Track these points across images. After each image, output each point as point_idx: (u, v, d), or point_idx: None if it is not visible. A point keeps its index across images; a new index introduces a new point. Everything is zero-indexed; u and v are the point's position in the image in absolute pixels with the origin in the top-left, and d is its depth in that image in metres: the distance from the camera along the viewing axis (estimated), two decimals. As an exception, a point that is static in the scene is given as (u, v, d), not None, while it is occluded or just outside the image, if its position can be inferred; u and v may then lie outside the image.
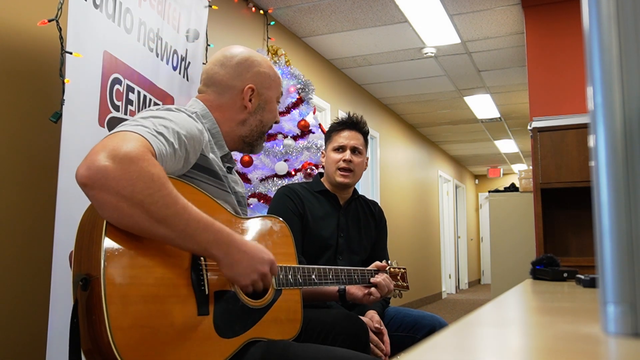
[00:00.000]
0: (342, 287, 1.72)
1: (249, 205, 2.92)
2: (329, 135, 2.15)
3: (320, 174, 2.18)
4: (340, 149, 2.07)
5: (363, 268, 1.76)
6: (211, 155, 1.32)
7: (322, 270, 1.53)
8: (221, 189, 1.33)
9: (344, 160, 2.04)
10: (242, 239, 1.17)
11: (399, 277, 1.90)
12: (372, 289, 1.72)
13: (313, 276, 1.48)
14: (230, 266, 1.13)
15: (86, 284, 1.01)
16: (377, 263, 1.82)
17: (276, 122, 1.55)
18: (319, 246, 1.98)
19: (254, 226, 1.37)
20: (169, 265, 1.09)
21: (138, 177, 0.99)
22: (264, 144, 1.56)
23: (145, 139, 1.07)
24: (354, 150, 2.07)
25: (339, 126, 2.12)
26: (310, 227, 1.97)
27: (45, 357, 1.80)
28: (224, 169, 1.39)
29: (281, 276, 1.36)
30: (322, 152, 2.18)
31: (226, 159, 1.43)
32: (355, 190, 2.16)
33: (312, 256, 1.95)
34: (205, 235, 1.08)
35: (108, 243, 1.01)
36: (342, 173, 2.04)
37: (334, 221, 2.04)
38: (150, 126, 1.12)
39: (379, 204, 2.29)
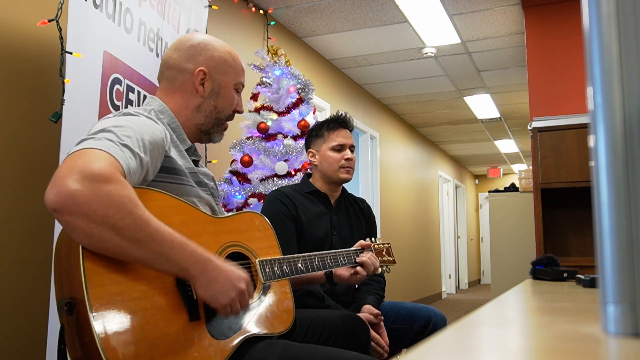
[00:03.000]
0: (329, 269, 1.73)
1: (249, 205, 2.92)
2: (320, 134, 2.16)
3: (308, 175, 2.21)
4: (341, 147, 2.11)
5: (348, 249, 1.75)
6: (173, 153, 1.30)
7: (307, 258, 1.53)
8: (191, 185, 1.31)
9: (347, 159, 2.09)
10: (218, 258, 1.15)
11: (384, 253, 1.90)
12: (358, 268, 1.71)
13: (299, 265, 1.48)
14: (207, 284, 1.10)
15: (71, 308, 0.98)
16: (361, 242, 1.82)
17: (238, 112, 1.49)
18: (314, 247, 1.98)
19: (233, 224, 1.36)
20: (153, 277, 1.07)
21: (109, 200, 0.97)
22: (222, 135, 1.49)
23: (113, 156, 1.03)
24: (351, 148, 2.13)
25: (334, 125, 2.14)
26: (304, 228, 2.00)
27: (45, 357, 1.80)
28: (191, 163, 1.37)
29: (267, 269, 1.36)
30: (310, 152, 2.17)
31: (190, 152, 1.41)
32: (344, 189, 2.21)
33: None
34: (180, 255, 1.06)
35: (87, 262, 0.98)
36: (346, 170, 2.10)
37: (327, 221, 2.07)
38: (115, 139, 1.08)
39: (368, 203, 2.33)
